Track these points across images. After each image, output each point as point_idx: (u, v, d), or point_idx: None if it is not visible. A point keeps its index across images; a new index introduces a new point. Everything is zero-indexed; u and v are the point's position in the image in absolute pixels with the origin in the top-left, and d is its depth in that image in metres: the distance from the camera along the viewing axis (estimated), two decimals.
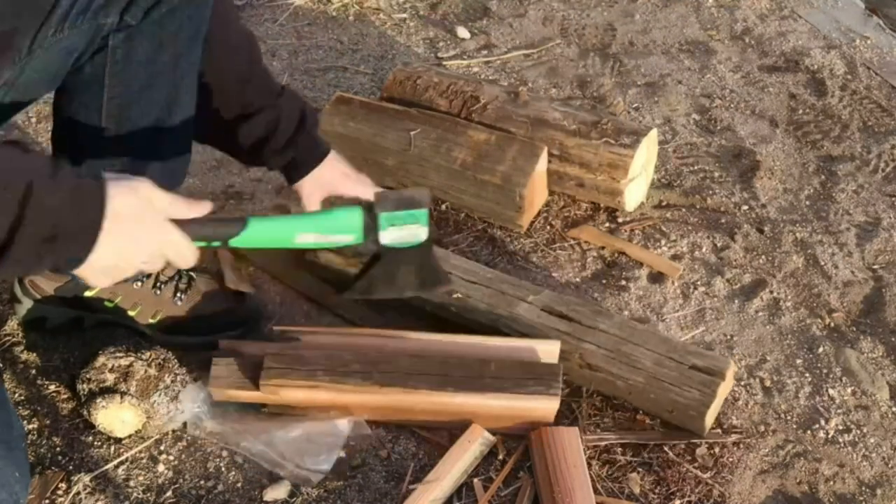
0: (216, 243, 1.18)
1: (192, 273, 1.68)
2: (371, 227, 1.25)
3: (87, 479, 1.48)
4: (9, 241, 0.97)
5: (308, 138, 1.53)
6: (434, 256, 1.35)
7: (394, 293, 1.36)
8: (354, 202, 1.32)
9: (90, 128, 1.39)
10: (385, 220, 1.26)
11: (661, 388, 1.56)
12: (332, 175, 1.54)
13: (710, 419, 1.56)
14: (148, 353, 1.55)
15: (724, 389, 1.58)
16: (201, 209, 1.16)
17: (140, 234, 1.08)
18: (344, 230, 1.25)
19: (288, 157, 1.53)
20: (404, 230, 1.27)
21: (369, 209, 1.26)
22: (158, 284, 1.62)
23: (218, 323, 1.67)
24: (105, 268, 1.07)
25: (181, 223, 1.13)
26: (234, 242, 1.19)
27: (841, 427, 1.63)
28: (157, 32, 1.30)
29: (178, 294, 1.64)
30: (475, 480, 1.49)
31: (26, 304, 1.64)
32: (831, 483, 1.55)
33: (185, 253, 1.14)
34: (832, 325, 1.83)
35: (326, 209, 1.27)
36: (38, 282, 1.61)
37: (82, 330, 1.68)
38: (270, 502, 1.46)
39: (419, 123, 2.01)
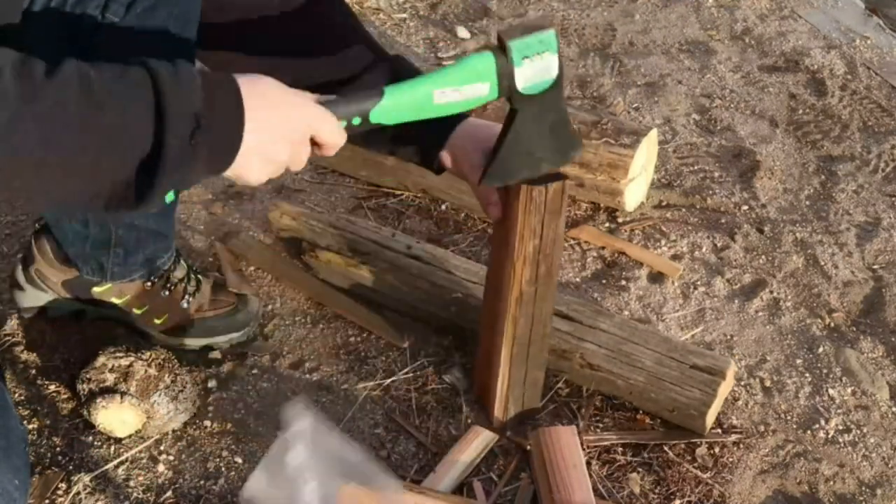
0: (356, 121, 1.13)
1: (199, 276, 1.68)
2: (505, 68, 1.18)
3: (87, 479, 1.48)
4: (158, 145, 0.93)
5: None
6: (565, 105, 1.27)
7: (529, 170, 1.28)
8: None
9: None
10: (517, 52, 1.17)
11: (661, 388, 1.56)
12: (485, 137, 1.30)
13: (710, 419, 1.56)
14: (148, 353, 1.55)
15: (725, 389, 1.58)
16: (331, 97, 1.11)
17: (286, 108, 1.05)
18: (478, 77, 1.17)
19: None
20: (536, 62, 1.19)
21: (500, 49, 1.18)
22: (168, 286, 1.62)
23: (220, 326, 1.67)
24: (259, 155, 1.03)
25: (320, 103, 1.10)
26: (375, 116, 1.14)
27: (841, 427, 1.63)
28: (142, 26, 1.26)
29: (187, 296, 1.64)
30: (475, 481, 1.48)
31: (29, 293, 1.64)
32: (831, 483, 1.55)
33: (334, 129, 1.10)
34: (832, 325, 1.83)
35: (457, 60, 1.19)
36: (46, 272, 1.60)
37: (82, 323, 1.68)
38: None
39: None
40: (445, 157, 1.36)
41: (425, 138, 1.35)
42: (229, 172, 1.03)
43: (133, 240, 1.53)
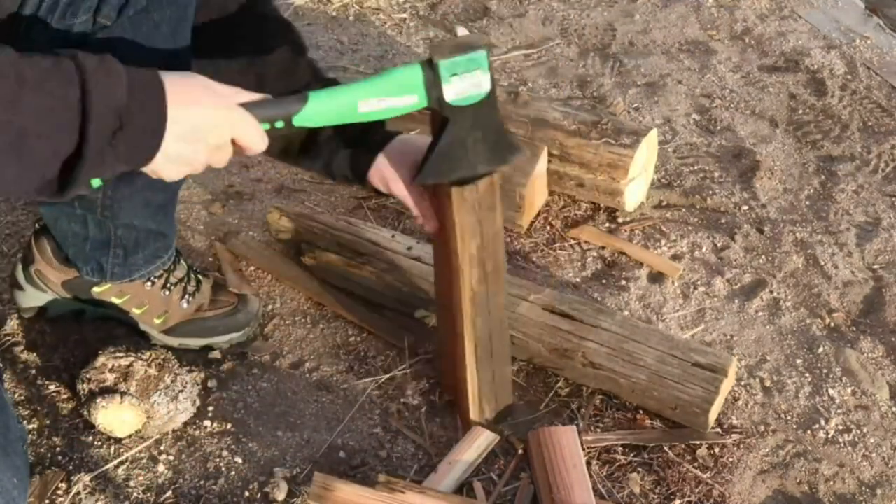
0: (280, 124, 1.15)
1: (199, 276, 1.68)
2: (433, 83, 1.19)
3: (87, 479, 1.48)
4: (81, 140, 0.96)
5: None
6: (500, 115, 1.28)
7: (465, 170, 1.28)
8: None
9: None
10: (446, 70, 1.18)
11: (663, 386, 1.56)
12: (415, 151, 1.31)
13: (713, 416, 1.56)
14: (148, 353, 1.55)
15: (727, 386, 1.58)
16: (259, 97, 1.13)
17: (208, 112, 1.07)
18: (405, 90, 1.19)
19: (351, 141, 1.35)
20: (466, 80, 1.20)
21: (428, 64, 1.19)
22: (168, 285, 1.62)
23: (220, 326, 1.67)
24: (178, 154, 1.05)
25: (243, 106, 1.11)
26: (298, 120, 1.15)
27: (841, 427, 1.63)
28: (135, 30, 1.25)
29: (186, 297, 1.64)
30: (475, 481, 1.48)
31: (29, 293, 1.64)
32: (831, 483, 1.55)
33: (254, 133, 1.11)
34: (832, 325, 1.83)
35: (384, 70, 1.20)
36: (46, 272, 1.60)
37: (82, 323, 1.68)
38: (270, 502, 1.46)
39: (419, 123, 2.01)
40: (374, 174, 1.36)
41: (355, 156, 1.36)
42: (146, 169, 1.06)
43: (132, 240, 1.53)
